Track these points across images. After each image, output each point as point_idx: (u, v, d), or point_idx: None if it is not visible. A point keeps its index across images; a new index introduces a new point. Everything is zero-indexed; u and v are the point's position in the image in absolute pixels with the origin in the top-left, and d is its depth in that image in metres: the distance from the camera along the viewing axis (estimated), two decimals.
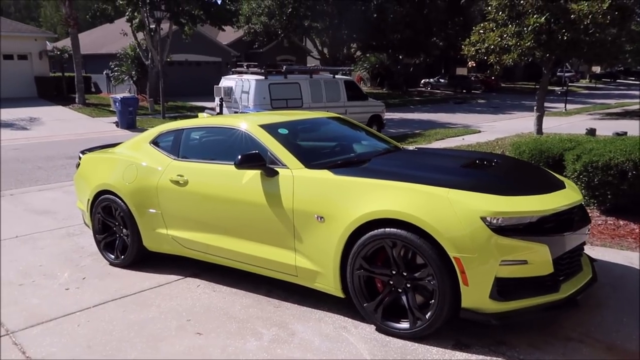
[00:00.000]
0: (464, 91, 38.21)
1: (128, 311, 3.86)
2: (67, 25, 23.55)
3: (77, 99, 22.88)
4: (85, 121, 19.42)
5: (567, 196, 3.54)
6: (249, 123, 4.29)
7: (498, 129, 16.21)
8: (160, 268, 4.67)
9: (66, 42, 28.95)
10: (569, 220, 3.45)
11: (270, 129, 4.20)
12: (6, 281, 4.50)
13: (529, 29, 11.14)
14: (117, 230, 4.85)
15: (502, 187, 3.40)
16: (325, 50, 32.56)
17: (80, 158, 5.45)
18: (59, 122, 18.67)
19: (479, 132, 15.35)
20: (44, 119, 19.10)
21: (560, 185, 3.72)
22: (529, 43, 11.26)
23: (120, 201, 4.67)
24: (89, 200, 4.98)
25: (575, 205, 3.53)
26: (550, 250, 3.16)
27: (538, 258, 3.14)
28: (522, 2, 11.26)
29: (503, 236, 3.07)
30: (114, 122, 17.94)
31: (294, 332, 3.49)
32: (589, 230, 3.72)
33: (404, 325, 3.32)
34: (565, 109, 22.77)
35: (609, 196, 5.62)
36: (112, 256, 4.86)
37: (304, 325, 3.56)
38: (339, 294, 3.59)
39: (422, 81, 42.10)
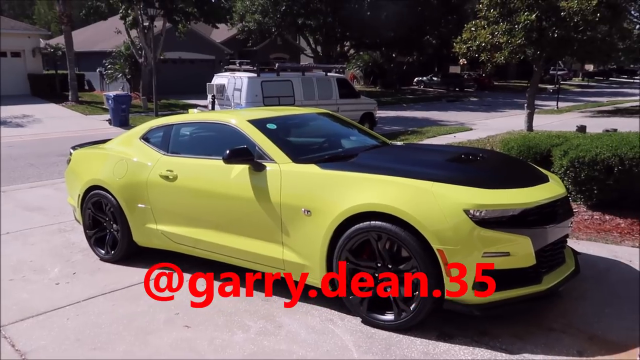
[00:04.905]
0: (457, 89, 38.28)
1: (117, 305, 3.90)
2: (60, 23, 23.48)
3: (70, 97, 22.78)
4: (78, 119, 19.37)
5: (550, 189, 3.60)
6: (238, 118, 4.32)
7: (490, 126, 16.29)
8: (150, 263, 4.69)
9: (60, 40, 28.79)
10: (552, 213, 3.49)
11: (259, 124, 4.23)
12: None
13: (520, 26, 11.23)
14: (107, 225, 4.87)
15: (486, 181, 3.44)
16: (319, 49, 32.56)
17: (71, 154, 5.46)
18: (52, 120, 18.61)
19: (471, 129, 15.43)
20: (37, 117, 19.02)
21: (544, 179, 3.77)
22: (519, 40, 11.35)
23: (110, 196, 4.70)
24: (79, 195, 5.00)
25: (559, 198, 3.58)
26: (532, 243, 3.21)
27: (520, 250, 3.19)
28: None
29: (486, 228, 3.12)
30: (106, 120, 17.90)
31: (281, 324, 3.53)
32: (572, 223, 3.78)
33: (389, 317, 3.37)
34: (557, 107, 22.90)
35: (596, 191, 5.68)
36: (103, 251, 4.89)
37: (291, 318, 3.61)
38: None
39: (415, 79, 42.16)
